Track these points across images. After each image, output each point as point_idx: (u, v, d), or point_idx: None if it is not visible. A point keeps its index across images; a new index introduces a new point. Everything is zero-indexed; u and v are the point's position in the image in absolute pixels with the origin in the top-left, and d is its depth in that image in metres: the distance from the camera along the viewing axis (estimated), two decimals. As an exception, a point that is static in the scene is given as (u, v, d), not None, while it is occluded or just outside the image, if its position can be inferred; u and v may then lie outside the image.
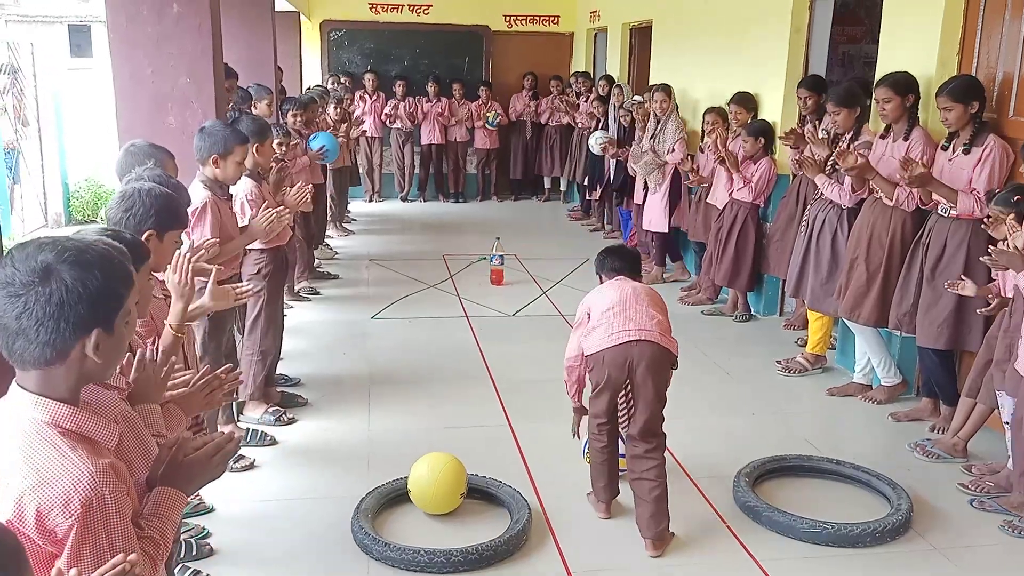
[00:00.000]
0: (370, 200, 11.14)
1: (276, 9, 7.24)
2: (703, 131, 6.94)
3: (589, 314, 3.54)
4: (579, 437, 3.84)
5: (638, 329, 3.35)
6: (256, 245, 4.36)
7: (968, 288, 4.01)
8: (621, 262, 3.72)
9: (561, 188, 11.63)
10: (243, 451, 4.06)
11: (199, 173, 3.63)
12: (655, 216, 7.42)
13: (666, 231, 7.41)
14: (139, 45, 4.01)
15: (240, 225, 3.94)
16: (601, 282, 3.73)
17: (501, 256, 7.35)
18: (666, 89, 7.36)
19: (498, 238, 7.48)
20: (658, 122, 7.40)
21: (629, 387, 3.40)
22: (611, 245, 3.87)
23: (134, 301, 1.54)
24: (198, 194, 3.55)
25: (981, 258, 3.86)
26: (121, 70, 4.06)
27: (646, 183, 7.51)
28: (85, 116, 10.91)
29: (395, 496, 3.69)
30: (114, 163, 3.18)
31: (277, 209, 3.91)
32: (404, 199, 11.35)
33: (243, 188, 4.21)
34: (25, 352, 1.42)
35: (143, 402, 1.92)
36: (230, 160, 3.64)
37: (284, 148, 5.52)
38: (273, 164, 4.76)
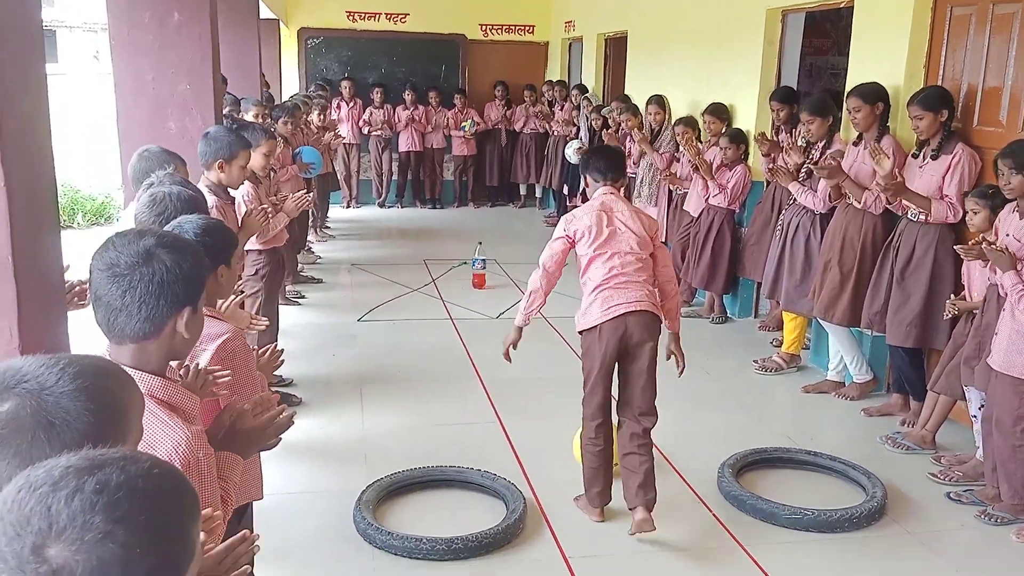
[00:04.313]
0: (347, 206, 11.23)
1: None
2: (675, 141, 7.12)
3: (573, 239, 3.54)
4: (510, 359, 3.85)
5: (628, 302, 3.48)
6: (253, 246, 4.48)
7: (962, 305, 4.13)
8: (606, 163, 3.61)
9: (537, 195, 11.82)
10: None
11: (203, 177, 3.74)
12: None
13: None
14: (141, 52, 4.11)
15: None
16: (586, 184, 3.65)
17: (484, 260, 7.50)
18: (659, 101, 7.45)
19: (480, 242, 7.62)
20: (654, 133, 7.42)
21: (625, 361, 3.54)
22: (597, 146, 3.72)
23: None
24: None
25: (955, 247, 4.00)
26: (122, 76, 4.15)
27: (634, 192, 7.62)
28: (58, 122, 10.85)
29: (394, 488, 3.82)
30: (128, 168, 3.28)
31: (263, 206, 4.03)
32: (382, 205, 11.46)
33: (241, 191, 4.31)
34: (126, 327, 1.56)
35: None
36: (234, 165, 3.74)
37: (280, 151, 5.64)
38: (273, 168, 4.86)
